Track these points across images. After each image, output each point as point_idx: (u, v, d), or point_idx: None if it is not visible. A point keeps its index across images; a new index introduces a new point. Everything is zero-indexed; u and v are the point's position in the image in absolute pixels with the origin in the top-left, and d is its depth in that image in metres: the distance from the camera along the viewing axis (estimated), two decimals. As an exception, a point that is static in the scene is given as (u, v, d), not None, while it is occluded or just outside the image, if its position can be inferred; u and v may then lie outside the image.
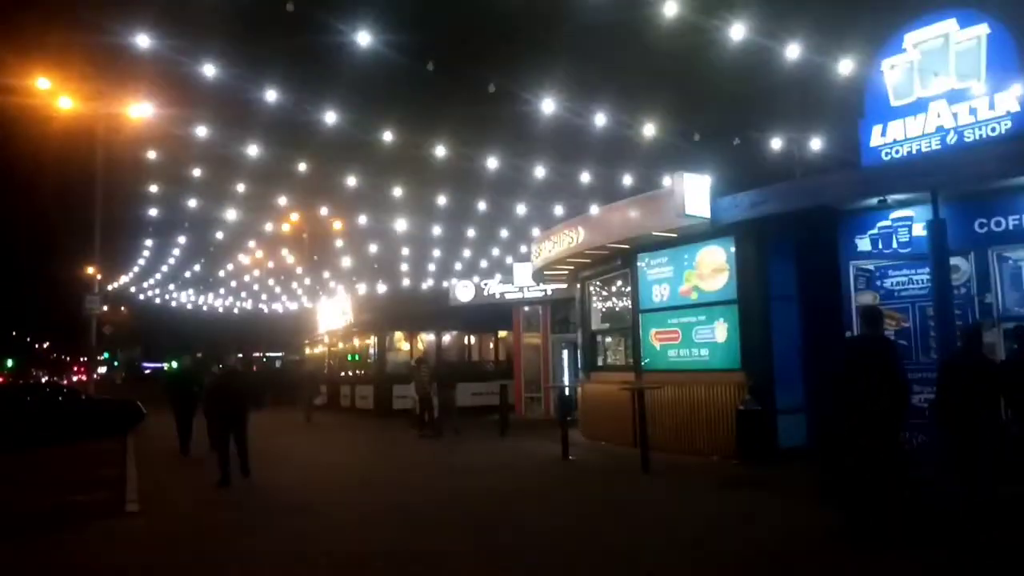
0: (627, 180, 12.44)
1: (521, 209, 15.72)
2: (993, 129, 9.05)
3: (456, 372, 17.57)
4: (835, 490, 7.11)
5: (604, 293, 15.47)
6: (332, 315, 28.79)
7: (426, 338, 25.77)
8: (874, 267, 10.38)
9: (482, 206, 17.06)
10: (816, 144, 11.74)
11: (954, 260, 9.38)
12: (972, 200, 9.44)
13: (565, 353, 21.42)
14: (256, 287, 33.13)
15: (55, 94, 16.44)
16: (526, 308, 22.47)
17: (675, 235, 12.19)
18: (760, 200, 10.32)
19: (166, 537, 7.34)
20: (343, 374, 28.56)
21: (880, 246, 10.33)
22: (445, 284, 23.02)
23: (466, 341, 26.83)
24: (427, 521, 7.64)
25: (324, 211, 23.68)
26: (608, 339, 15.56)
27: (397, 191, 16.24)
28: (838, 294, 10.60)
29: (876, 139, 9.97)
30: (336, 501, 8.97)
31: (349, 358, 28.58)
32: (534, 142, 13.31)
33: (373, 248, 21.79)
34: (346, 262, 24.48)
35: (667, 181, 11.17)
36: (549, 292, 20.99)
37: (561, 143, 13.34)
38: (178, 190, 19.02)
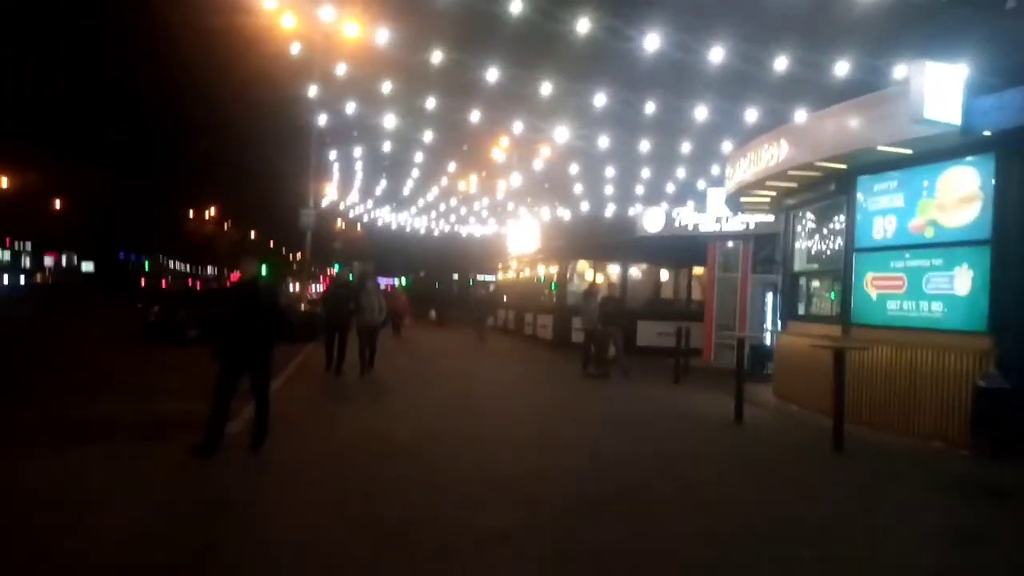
0: (848, 74, 9.59)
1: (718, 120, 13.25)
2: None
3: (624, 309, 15.70)
4: None
5: (812, 226, 12.74)
6: (521, 241, 27.99)
7: (613, 270, 24.07)
8: None
9: (678, 118, 14.73)
10: None
11: None
12: None
13: (768, 297, 18.68)
14: (463, 210, 33.04)
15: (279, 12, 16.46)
16: (725, 243, 19.88)
17: (908, 151, 9.31)
18: (1041, 98, 7.28)
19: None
20: (528, 301, 27.83)
21: None
22: (632, 212, 21.00)
23: (657, 276, 24.75)
24: (530, 491, 6.23)
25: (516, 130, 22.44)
26: (814, 283, 12.91)
27: (596, 99, 14.19)
28: None
29: None
30: (445, 444, 7.84)
31: (535, 284, 27.73)
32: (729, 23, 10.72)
33: (558, 170, 20.22)
34: (527, 185, 23.18)
35: (900, 73, 8.35)
36: (751, 225, 18.25)
37: (765, 22, 10.62)
38: (385, 113, 18.36)
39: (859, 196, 10.60)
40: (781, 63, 10.31)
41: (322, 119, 19.83)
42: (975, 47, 8.01)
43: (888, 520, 5.75)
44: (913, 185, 9.70)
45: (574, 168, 19.78)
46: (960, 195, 9.02)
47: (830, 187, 11.30)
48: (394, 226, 39.91)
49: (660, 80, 12.54)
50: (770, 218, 17.40)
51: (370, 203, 34.73)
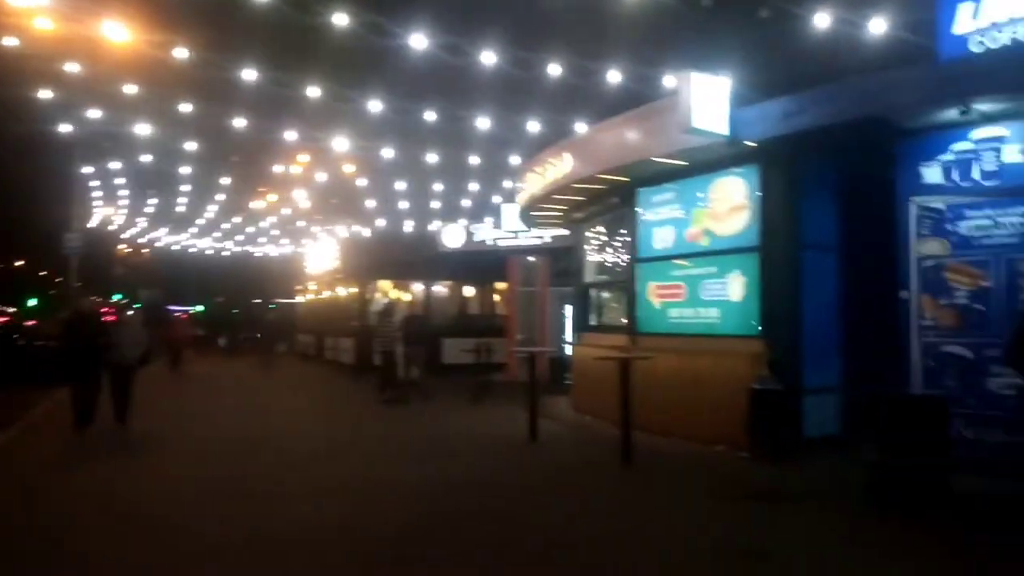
0: (629, 84, 9.65)
1: (505, 132, 13.02)
2: None
3: (425, 327, 15.10)
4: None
5: (600, 239, 12.87)
6: (319, 260, 26.55)
7: (416, 288, 23.45)
8: (944, 206, 7.72)
9: (471, 134, 14.36)
10: (878, 31, 8.80)
11: (1064, 195, 6.72)
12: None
13: (567, 309, 18.92)
14: (254, 231, 30.62)
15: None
16: (525, 258, 19.94)
17: (683, 163, 9.54)
18: (796, 109, 7.61)
19: None
20: (328, 325, 26.39)
21: (955, 177, 7.63)
22: (432, 228, 20.53)
23: (462, 293, 24.47)
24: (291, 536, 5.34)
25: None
26: (605, 294, 13.05)
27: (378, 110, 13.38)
28: (893, 242, 7.98)
29: (963, 23, 7.20)
30: (205, 504, 6.69)
31: (335, 306, 26.37)
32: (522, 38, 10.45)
33: (349, 185, 19.23)
34: (320, 201, 21.95)
35: (671, 83, 8.46)
36: (548, 239, 18.45)
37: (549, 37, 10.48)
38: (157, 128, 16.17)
39: (640, 208, 10.76)
40: (560, 72, 10.24)
41: (80, 133, 17.42)
42: (738, 60, 8.30)
43: (668, 532, 5.53)
44: (689, 196, 9.95)
45: (367, 183, 18.89)
46: (731, 204, 9.33)
47: (614, 200, 11.43)
48: (189, 250, 36.49)
49: (444, 91, 12.11)
50: (566, 232, 17.66)
51: (157, 227, 31.34)
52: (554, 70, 10.17)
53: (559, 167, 11.19)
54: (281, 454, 8.76)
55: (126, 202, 26.33)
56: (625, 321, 11.19)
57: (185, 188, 19.63)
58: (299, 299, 33.70)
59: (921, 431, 6.12)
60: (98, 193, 23.59)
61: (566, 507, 6.37)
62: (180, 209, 22.77)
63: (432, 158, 14.94)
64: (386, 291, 22.87)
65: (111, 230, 32.92)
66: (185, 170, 16.86)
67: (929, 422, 6.19)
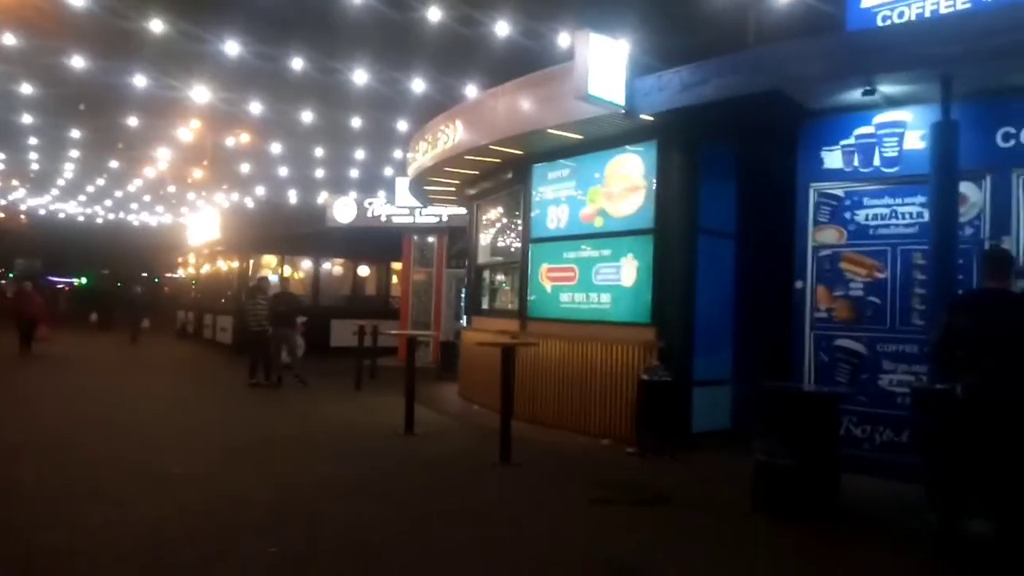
0: (525, 45, 8.88)
1: (393, 95, 12.01)
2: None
3: (297, 305, 13.94)
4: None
5: (493, 217, 12.14)
6: (200, 232, 24.68)
7: (305, 265, 22.11)
8: (843, 192, 7.38)
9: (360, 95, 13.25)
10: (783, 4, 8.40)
11: (962, 187, 6.44)
12: (995, 100, 6.46)
13: (463, 292, 18.15)
14: (122, 195, 28.24)
15: None
16: (422, 237, 19.01)
17: (579, 136, 8.89)
18: (696, 80, 7.04)
19: None
20: (207, 301, 24.60)
21: (856, 163, 7.28)
22: (321, 200, 19.26)
23: (355, 272, 23.27)
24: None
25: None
26: (498, 276, 12.34)
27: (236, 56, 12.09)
28: (790, 229, 7.60)
29: (871, -4, 6.82)
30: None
31: (215, 281, 24.61)
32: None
33: (222, 148, 17.66)
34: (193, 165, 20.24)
35: (566, 43, 7.75)
36: (444, 218, 17.58)
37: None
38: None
39: (534, 184, 10.07)
40: (453, 24, 9.32)
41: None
42: (640, 25, 7.68)
43: (532, 543, 4.84)
44: (584, 173, 9.32)
45: (240, 144, 17.38)
46: (627, 183, 8.76)
47: (508, 175, 10.69)
48: (60, 216, 33.35)
49: (323, 40, 10.97)
50: (463, 211, 16.84)
51: (36, 192, 28.40)
52: (448, 22, 9.23)
53: (450, 136, 10.34)
54: (114, 447, 7.57)
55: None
56: (516, 305, 10.51)
57: (34, 143, 17.51)
58: (180, 273, 31.50)
59: (811, 429, 5.68)
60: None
61: (423, 509, 5.59)
62: (34, 167, 20.46)
63: (310, 118, 13.67)
64: (270, 267, 21.41)
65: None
66: (29, 121, 14.88)
67: (819, 420, 5.77)
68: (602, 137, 8.75)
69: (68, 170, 20.78)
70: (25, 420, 9.00)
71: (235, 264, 21.91)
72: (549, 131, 8.72)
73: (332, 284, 22.84)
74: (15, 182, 26.98)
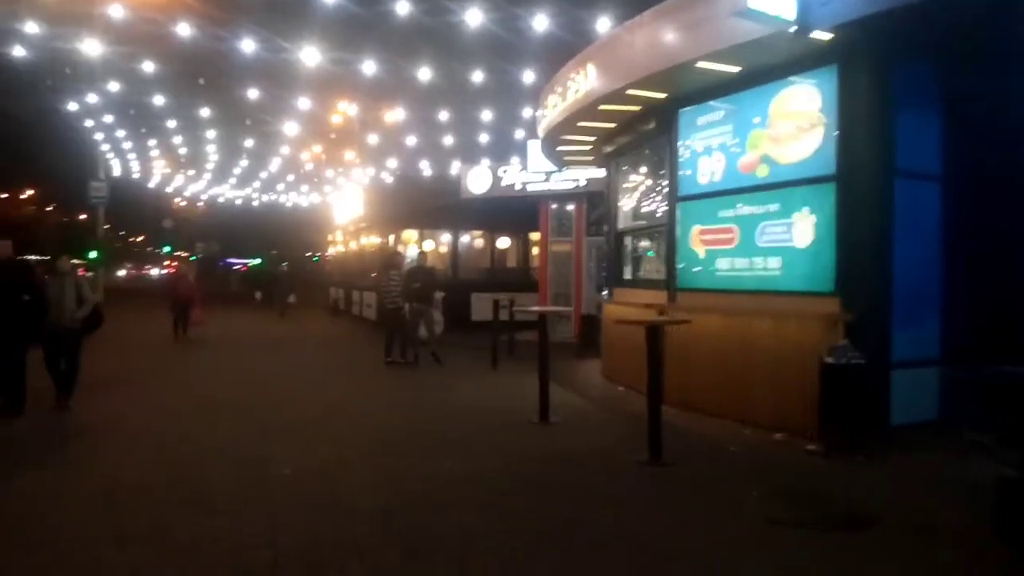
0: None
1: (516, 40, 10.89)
2: None
3: (434, 280, 13.28)
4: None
5: (634, 176, 10.82)
6: (346, 210, 24.98)
7: (445, 239, 21.70)
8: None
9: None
10: None
11: None
12: None
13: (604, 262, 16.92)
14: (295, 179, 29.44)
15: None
16: (560, 204, 17.89)
17: (735, 68, 7.38)
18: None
19: None
20: (354, 278, 24.91)
21: None
22: (455, 172, 18.58)
23: (494, 244, 22.59)
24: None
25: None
26: (642, 243, 11.05)
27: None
28: (1018, 168, 5.79)
29: None
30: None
31: (360, 258, 24.86)
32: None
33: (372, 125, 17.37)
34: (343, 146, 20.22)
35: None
36: (582, 182, 16.35)
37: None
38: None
39: (681, 133, 8.65)
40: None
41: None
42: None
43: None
44: (743, 114, 7.80)
45: (371, 119, 17.01)
46: (798, 120, 7.17)
47: (649, 125, 9.33)
48: (249, 203, 35.48)
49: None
50: (601, 173, 15.55)
51: (215, 181, 30.54)
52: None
53: (581, 85, 9.11)
54: (188, 446, 7.14)
55: (183, 157, 25.67)
56: (663, 275, 9.19)
57: (211, 136, 18.34)
58: (331, 251, 32.40)
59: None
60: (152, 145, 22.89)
61: (550, 530, 4.54)
62: (213, 160, 21.61)
63: (431, 76, 12.89)
64: (411, 241, 21.15)
65: (154, 184, 32.21)
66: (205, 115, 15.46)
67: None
68: (764, 67, 7.20)
69: (234, 160, 21.82)
70: (147, 404, 8.87)
71: (377, 240, 21.88)
72: (698, 64, 7.28)
73: (471, 257, 22.31)
74: (191, 172, 28.95)
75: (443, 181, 19.39)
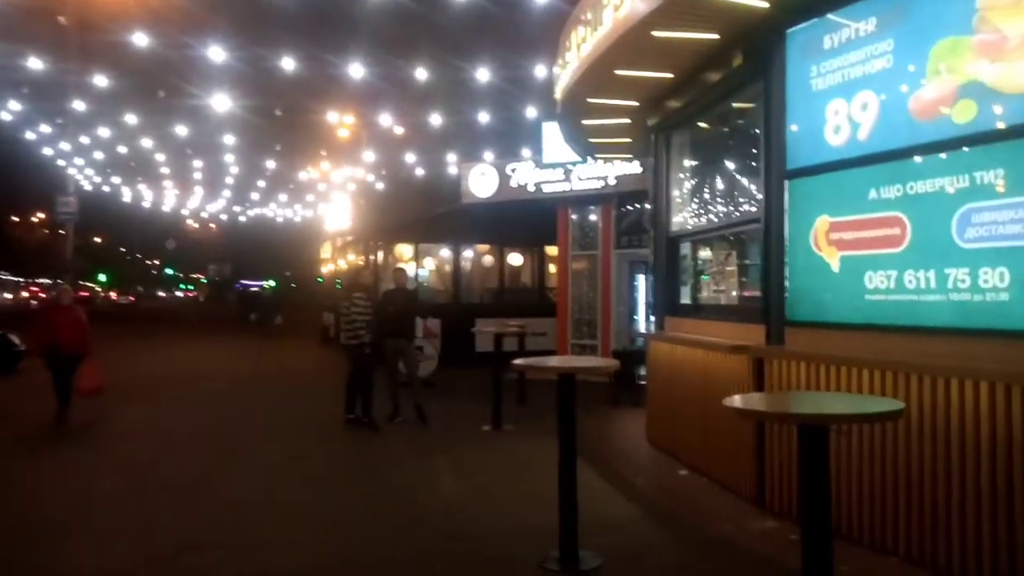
0: None
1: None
2: None
3: (417, 306, 10.00)
4: None
5: (700, 153, 7.48)
6: (333, 223, 21.81)
7: (443, 254, 18.39)
8: None
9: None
10: None
11: None
12: None
13: (640, 280, 13.47)
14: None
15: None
16: (575, 216, 14.49)
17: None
18: None
19: None
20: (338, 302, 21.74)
21: None
22: (454, 171, 15.32)
23: (502, 259, 19.21)
24: None
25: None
26: (705, 252, 7.74)
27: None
28: None
29: None
30: None
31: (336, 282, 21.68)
32: None
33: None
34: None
35: None
36: (612, 180, 13.05)
37: None
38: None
39: (792, 67, 5.28)
40: None
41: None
42: None
43: None
44: (919, 15, 4.43)
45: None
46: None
47: (733, 63, 5.97)
48: (263, 222, 33.36)
49: None
50: (636, 168, 12.22)
51: (225, 202, 28.89)
52: None
53: (622, 5, 5.77)
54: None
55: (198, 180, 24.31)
56: (756, 299, 5.81)
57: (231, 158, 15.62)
58: (327, 269, 29.27)
59: None
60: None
61: None
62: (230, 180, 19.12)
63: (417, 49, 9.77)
64: (403, 258, 17.81)
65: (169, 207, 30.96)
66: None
67: None
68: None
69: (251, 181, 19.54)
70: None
71: (365, 257, 18.61)
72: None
73: (475, 275, 18.95)
74: (202, 191, 27.56)
75: (435, 183, 16.10)
